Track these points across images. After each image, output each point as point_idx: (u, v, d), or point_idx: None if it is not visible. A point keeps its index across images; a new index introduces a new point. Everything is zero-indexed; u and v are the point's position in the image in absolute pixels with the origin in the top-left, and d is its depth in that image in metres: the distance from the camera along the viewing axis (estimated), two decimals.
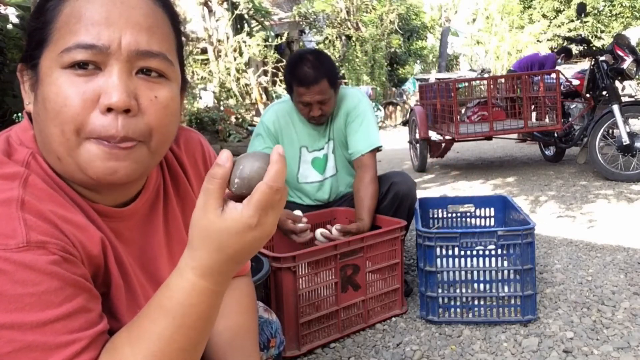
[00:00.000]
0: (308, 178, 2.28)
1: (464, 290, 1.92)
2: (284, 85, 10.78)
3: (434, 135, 5.73)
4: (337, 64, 13.74)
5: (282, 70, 10.39)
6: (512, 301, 1.89)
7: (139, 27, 0.64)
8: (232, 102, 9.41)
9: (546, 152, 5.70)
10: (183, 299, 0.59)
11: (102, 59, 0.62)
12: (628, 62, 4.44)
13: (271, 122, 2.20)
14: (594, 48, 4.76)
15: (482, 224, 2.52)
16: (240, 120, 9.21)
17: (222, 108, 8.87)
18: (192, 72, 9.33)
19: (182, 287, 0.60)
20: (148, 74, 0.65)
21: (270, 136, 2.20)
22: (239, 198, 0.59)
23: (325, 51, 13.27)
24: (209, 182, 0.57)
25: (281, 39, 10.24)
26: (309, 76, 2.03)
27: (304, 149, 2.24)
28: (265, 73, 10.17)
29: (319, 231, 2.01)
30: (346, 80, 13.79)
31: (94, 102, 0.62)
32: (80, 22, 0.62)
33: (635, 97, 8.92)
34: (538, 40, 18.96)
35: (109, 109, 0.62)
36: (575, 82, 5.17)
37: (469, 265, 1.91)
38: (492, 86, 5.32)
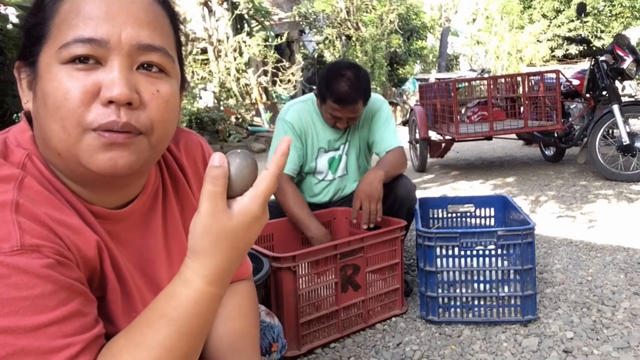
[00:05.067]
0: (322, 175, 2.31)
1: (464, 290, 1.92)
2: (284, 85, 10.80)
3: (434, 135, 5.73)
4: None
5: (282, 70, 10.41)
6: (512, 301, 1.89)
7: (140, 21, 0.63)
8: (232, 102, 9.40)
9: (546, 152, 5.69)
10: (192, 308, 0.60)
11: (102, 54, 0.61)
12: (628, 62, 4.44)
13: (295, 121, 2.19)
14: (594, 48, 4.76)
15: (482, 224, 2.52)
16: (240, 120, 9.22)
17: (222, 108, 8.87)
18: (192, 72, 9.32)
19: (190, 297, 0.60)
20: (149, 69, 0.65)
21: (295, 136, 2.19)
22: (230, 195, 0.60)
23: (325, 51, 13.13)
24: (214, 184, 0.57)
25: (281, 39, 10.23)
26: (347, 96, 2.04)
27: (321, 150, 2.26)
28: (265, 73, 10.16)
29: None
30: None
31: (94, 95, 0.61)
32: (79, 16, 0.61)
33: (635, 97, 8.92)
34: (538, 40, 18.96)
35: (111, 102, 0.61)
36: (575, 82, 5.16)
37: (469, 265, 1.91)
38: (492, 86, 5.32)
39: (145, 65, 0.65)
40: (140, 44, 0.63)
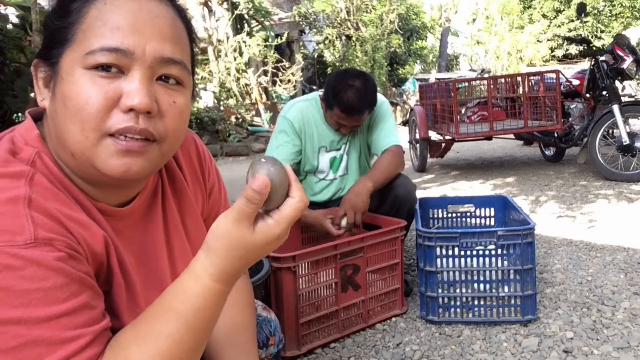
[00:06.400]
0: (323, 174, 2.32)
1: (464, 290, 1.92)
2: (284, 85, 10.78)
3: (434, 135, 5.73)
4: (337, 64, 13.79)
5: (282, 70, 10.40)
6: (512, 301, 1.89)
7: (164, 35, 0.67)
8: (232, 102, 9.40)
9: (546, 152, 5.69)
10: (199, 303, 0.62)
11: (125, 63, 0.64)
12: (628, 62, 4.44)
13: (296, 120, 2.19)
14: (594, 48, 4.76)
15: (482, 224, 2.52)
16: (240, 120, 9.22)
17: (222, 108, 8.87)
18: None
19: (197, 292, 0.62)
20: (167, 81, 0.68)
21: (294, 133, 2.19)
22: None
23: (325, 51, 13.08)
24: (247, 205, 0.60)
25: (281, 39, 10.23)
26: (355, 107, 2.05)
27: (323, 149, 2.26)
28: (265, 73, 10.16)
29: (344, 221, 2.04)
30: None
31: (115, 102, 0.64)
32: (107, 25, 0.64)
33: (635, 97, 8.92)
34: (538, 40, 18.95)
35: (130, 110, 0.64)
36: (575, 82, 5.16)
37: (469, 265, 1.91)
38: (492, 86, 5.32)
39: (164, 77, 0.67)
40: (163, 57, 0.66)
